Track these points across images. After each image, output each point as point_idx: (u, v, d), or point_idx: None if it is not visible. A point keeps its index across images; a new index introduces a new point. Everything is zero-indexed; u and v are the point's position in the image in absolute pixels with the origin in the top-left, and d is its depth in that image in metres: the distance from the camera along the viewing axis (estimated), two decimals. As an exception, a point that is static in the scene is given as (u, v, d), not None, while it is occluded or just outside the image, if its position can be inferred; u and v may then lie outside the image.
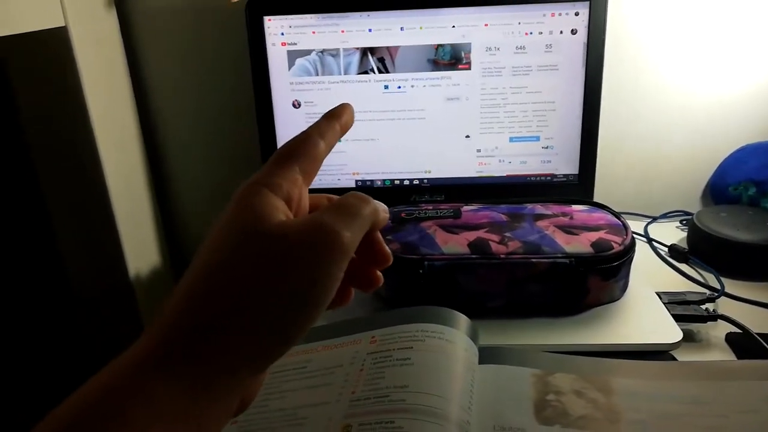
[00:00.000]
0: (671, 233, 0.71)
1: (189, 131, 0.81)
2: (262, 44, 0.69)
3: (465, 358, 0.40)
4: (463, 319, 0.44)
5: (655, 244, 0.68)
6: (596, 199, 0.72)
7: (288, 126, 0.71)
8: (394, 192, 0.73)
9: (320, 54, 0.69)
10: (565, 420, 0.37)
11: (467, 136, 0.71)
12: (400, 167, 0.73)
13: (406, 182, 0.73)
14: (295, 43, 0.69)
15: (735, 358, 0.49)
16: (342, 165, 0.73)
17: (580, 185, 0.72)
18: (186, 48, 0.77)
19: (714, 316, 0.52)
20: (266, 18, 0.68)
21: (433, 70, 0.68)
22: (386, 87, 0.70)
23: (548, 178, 0.72)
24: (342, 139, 0.72)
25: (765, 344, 0.48)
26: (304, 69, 0.69)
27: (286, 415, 0.38)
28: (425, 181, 0.73)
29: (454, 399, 0.36)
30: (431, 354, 0.39)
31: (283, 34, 0.69)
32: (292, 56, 0.69)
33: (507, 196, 0.69)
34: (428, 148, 0.72)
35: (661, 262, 0.65)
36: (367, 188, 0.73)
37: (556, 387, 0.40)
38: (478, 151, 0.72)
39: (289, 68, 0.69)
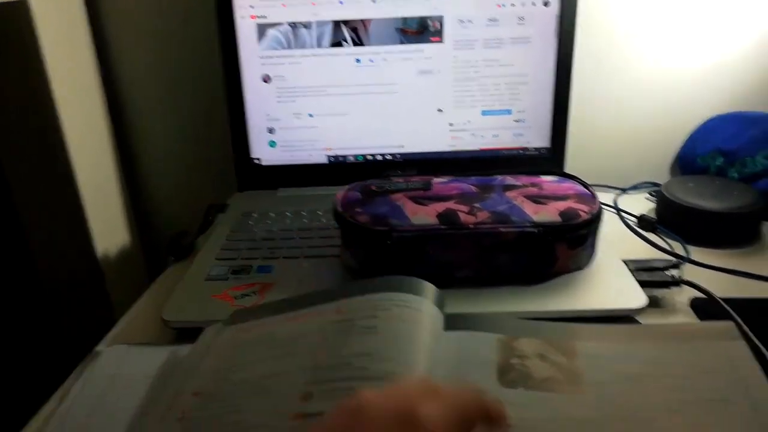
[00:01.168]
0: (641, 204, 0.72)
1: (157, 108, 0.80)
2: (230, 17, 0.68)
3: (430, 325, 0.40)
4: (429, 288, 0.44)
5: (625, 214, 0.68)
6: (567, 170, 0.73)
7: (258, 101, 0.70)
8: (367, 167, 0.73)
9: (292, 25, 0.68)
10: (528, 383, 0.38)
11: (440, 110, 0.71)
12: (373, 142, 0.72)
13: (379, 157, 0.73)
14: (265, 16, 0.68)
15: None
16: (313, 140, 0.72)
17: (551, 158, 0.72)
18: (153, 22, 0.76)
19: (678, 282, 0.53)
20: (234, -10, 0.67)
21: (402, 42, 0.68)
22: (358, 60, 0.69)
23: (520, 151, 0.72)
24: (313, 113, 0.72)
25: (728, 308, 0.49)
26: (275, 41, 0.68)
27: (249, 386, 0.38)
28: (398, 156, 0.73)
29: (417, 366, 0.36)
30: (395, 322, 0.39)
31: (252, 6, 0.68)
32: (262, 29, 0.68)
33: (479, 169, 0.70)
34: (401, 122, 0.71)
35: (630, 232, 0.66)
36: (339, 164, 0.73)
37: (520, 351, 0.41)
38: (451, 125, 0.72)
39: (259, 41, 0.68)
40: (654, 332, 0.43)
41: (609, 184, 0.76)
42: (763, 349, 0.43)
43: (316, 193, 0.72)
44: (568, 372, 0.39)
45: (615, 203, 0.71)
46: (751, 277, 0.56)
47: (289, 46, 0.68)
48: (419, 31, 0.67)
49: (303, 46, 0.68)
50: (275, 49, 0.69)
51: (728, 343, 0.41)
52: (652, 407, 0.36)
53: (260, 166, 0.73)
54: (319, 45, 0.68)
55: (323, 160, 0.73)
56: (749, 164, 0.68)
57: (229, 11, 0.67)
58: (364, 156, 0.73)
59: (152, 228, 0.87)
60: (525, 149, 0.72)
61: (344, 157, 0.73)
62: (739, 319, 0.47)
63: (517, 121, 0.71)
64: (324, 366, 0.37)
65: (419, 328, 0.39)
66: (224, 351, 0.43)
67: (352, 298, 0.43)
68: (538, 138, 0.72)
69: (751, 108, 0.73)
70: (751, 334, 0.45)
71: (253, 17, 0.68)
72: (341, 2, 0.67)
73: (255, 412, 0.35)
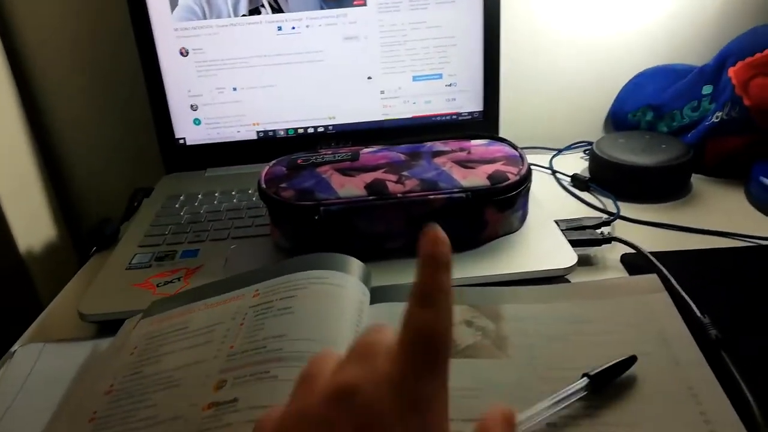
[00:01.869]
0: (576, 163, 0.72)
1: (75, 92, 0.75)
2: (138, -13, 0.64)
3: (353, 300, 0.39)
4: (351, 262, 0.42)
5: (559, 174, 0.68)
6: (502, 134, 0.72)
7: (177, 76, 0.67)
8: (299, 141, 0.70)
9: (205, -6, 0.64)
10: (452, 350, 0.37)
11: (369, 78, 0.69)
12: (303, 114, 0.70)
13: (311, 130, 0.71)
14: (176, -15, 0.64)
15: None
16: (240, 116, 0.69)
17: (485, 122, 0.71)
18: (57, 3, 0.70)
19: (608, 239, 0.53)
20: (140, -42, 0.63)
21: (323, 8, 0.65)
22: (280, 28, 0.66)
23: (454, 116, 0.71)
24: (237, 87, 0.69)
25: (655, 260, 0.49)
26: (189, 10, 0.64)
27: (161, 378, 0.36)
28: (330, 127, 0.71)
29: (336, 342, 0.35)
30: (314, 300, 0.38)
31: (160, -25, 0.63)
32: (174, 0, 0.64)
33: (413, 137, 0.68)
34: (330, 92, 0.69)
35: (565, 192, 0.66)
36: (269, 139, 0.70)
37: (447, 319, 0.40)
38: (382, 92, 0.70)
39: (172, 11, 0.64)
40: (579, 290, 0.43)
41: (545, 146, 0.76)
42: (688, 299, 0.44)
43: (247, 171, 0.69)
44: (494, 337, 0.39)
45: (550, 164, 0.71)
46: (680, 230, 0.57)
47: (205, 16, 0.65)
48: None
49: (219, 15, 0.65)
50: (190, 19, 0.65)
51: (651, 296, 0.41)
52: (576, 365, 0.35)
53: (186, 146, 0.70)
54: (236, 13, 0.65)
55: (252, 136, 0.70)
56: (677, 117, 0.68)
57: (137, -19, 0.63)
58: (294, 129, 0.70)
59: (81, 218, 0.82)
60: (458, 114, 0.71)
61: (274, 131, 0.70)
62: (665, 271, 0.47)
63: (448, 85, 0.70)
64: (239, 352, 0.35)
65: (339, 304, 0.38)
66: (139, 344, 0.40)
67: (270, 280, 0.41)
68: (470, 102, 0.70)
69: (677, 61, 0.73)
70: (676, 285, 0.45)
71: (162, -13, 0.64)
72: (256, -33, 0.63)
73: (167, 405, 0.33)
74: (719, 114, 0.64)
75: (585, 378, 0.33)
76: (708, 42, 0.72)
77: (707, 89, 0.66)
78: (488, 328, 0.39)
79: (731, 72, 0.63)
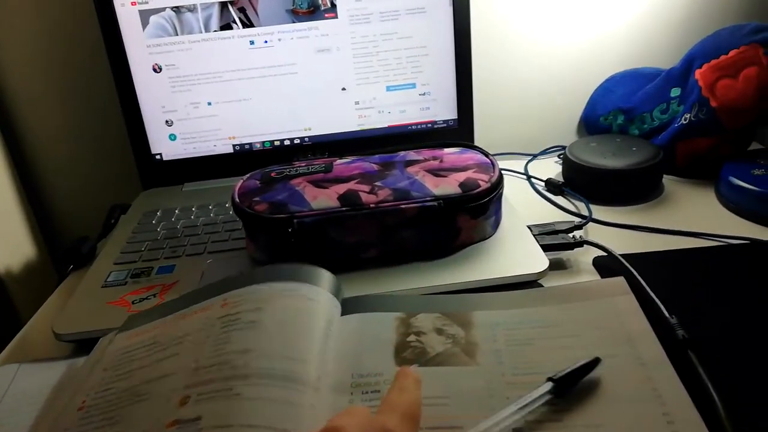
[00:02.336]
0: (551, 168, 0.72)
1: (49, 110, 0.75)
2: (110, 6, 0.64)
3: (322, 312, 0.39)
4: (321, 274, 0.43)
5: (533, 179, 0.69)
6: (478, 142, 0.73)
7: (151, 93, 0.67)
8: (276, 153, 0.71)
9: (176, 10, 0.64)
10: (423, 359, 0.38)
11: (343, 89, 0.69)
12: (279, 127, 0.70)
13: (287, 142, 0.71)
14: (146, 2, 0.64)
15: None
16: (216, 130, 0.69)
17: (460, 130, 0.72)
18: (35, 19, 0.70)
19: (580, 243, 0.54)
20: (110, -24, 0.63)
21: (294, 21, 0.66)
22: (252, 42, 0.66)
23: (429, 125, 0.72)
24: (211, 101, 0.69)
25: (625, 262, 0.50)
26: (160, 28, 0.65)
27: (129, 393, 0.36)
28: (306, 139, 0.71)
29: (303, 357, 0.35)
30: (282, 313, 0.38)
31: (131, -8, 0.64)
32: (145, 16, 0.64)
33: (390, 146, 0.69)
34: (305, 104, 0.69)
35: (539, 197, 0.66)
36: (246, 152, 0.70)
37: (417, 328, 0.40)
38: (357, 103, 0.70)
39: (144, 29, 0.65)
40: (549, 295, 0.43)
41: (520, 151, 0.77)
42: (656, 300, 0.45)
43: (224, 184, 0.69)
44: (464, 344, 0.39)
45: (525, 169, 0.72)
46: (651, 231, 0.58)
47: (176, 32, 0.65)
48: (310, 10, 0.65)
49: (191, 31, 0.65)
50: (162, 36, 0.65)
51: (618, 298, 0.42)
52: (543, 369, 0.36)
53: (162, 161, 0.70)
54: (207, 29, 0.65)
55: (228, 149, 0.70)
56: (647, 120, 0.69)
57: (108, -1, 0.63)
58: (271, 142, 0.71)
59: (59, 236, 0.82)
60: (433, 123, 0.72)
61: (250, 145, 0.71)
62: (635, 273, 0.48)
63: (422, 94, 0.70)
64: (205, 366, 0.35)
65: (309, 317, 0.38)
66: (112, 360, 0.41)
67: (239, 290, 0.41)
68: (444, 110, 0.71)
69: (646, 64, 0.75)
70: (645, 286, 0.46)
71: (133, 3, 0.64)
72: (226, -18, 0.64)
73: (134, 421, 0.33)
74: (687, 116, 0.65)
75: (549, 382, 0.34)
76: (674, 45, 0.74)
77: (675, 92, 0.67)
78: (458, 336, 0.40)
79: (697, 74, 0.64)
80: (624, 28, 0.74)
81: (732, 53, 0.63)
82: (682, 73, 0.67)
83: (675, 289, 0.48)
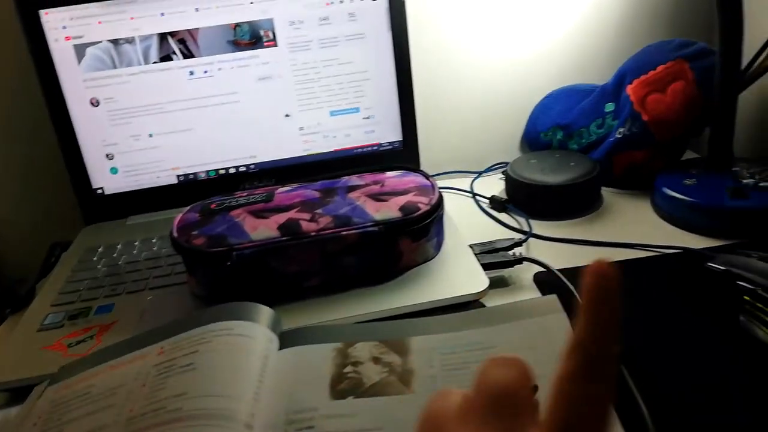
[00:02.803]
0: (496, 185, 0.74)
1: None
2: (42, 41, 0.63)
3: (258, 349, 0.39)
4: (257, 309, 0.42)
5: (478, 197, 0.70)
6: (424, 162, 0.74)
7: (89, 127, 0.66)
8: (222, 182, 0.70)
9: (113, 42, 0.64)
10: (358, 390, 0.38)
11: (287, 115, 0.70)
12: (223, 156, 0.70)
13: (233, 170, 0.71)
14: (81, 36, 0.63)
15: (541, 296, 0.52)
16: (159, 161, 0.69)
17: (405, 151, 0.73)
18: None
19: (519, 260, 0.54)
20: (42, 12, 0.62)
21: (234, 51, 0.66)
22: (192, 73, 0.66)
23: (374, 147, 0.72)
24: (153, 133, 0.68)
25: (563, 278, 0.51)
26: (98, 60, 0.64)
27: (62, 446, 0.35)
28: (252, 166, 0.71)
29: (237, 395, 0.35)
30: (216, 354, 0.37)
31: (65, 27, 0.63)
32: (80, 50, 0.64)
33: (336, 170, 0.69)
34: (249, 132, 0.69)
35: (484, 214, 0.67)
36: (191, 182, 0.70)
37: (354, 358, 0.41)
38: (301, 129, 0.70)
39: (79, 64, 0.64)
40: (485, 316, 0.44)
41: (466, 169, 0.78)
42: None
43: (169, 216, 0.68)
44: (401, 371, 0.39)
45: (471, 187, 0.73)
46: (590, 244, 0.59)
47: (114, 65, 0.64)
48: (252, 42, 0.66)
49: (129, 63, 0.65)
50: (99, 69, 0.64)
51: (550, 316, 0.43)
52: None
53: (104, 195, 0.69)
54: (146, 61, 0.65)
55: (172, 180, 0.70)
56: (585, 135, 0.71)
57: (41, 34, 0.62)
58: (216, 171, 0.70)
59: (3, 278, 0.79)
60: (378, 145, 0.72)
61: (195, 174, 0.70)
62: (572, 288, 0.49)
63: (366, 118, 0.71)
64: (139, 415, 0.35)
65: (244, 355, 0.38)
66: (43, 413, 0.39)
67: (176, 336, 0.41)
68: (389, 133, 0.72)
69: (582, 81, 0.77)
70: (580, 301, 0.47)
71: (68, 38, 0.63)
72: (162, 14, 0.64)
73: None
74: (622, 130, 0.67)
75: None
76: (608, 62, 0.76)
77: (609, 107, 0.69)
78: (395, 364, 0.40)
79: (629, 90, 0.66)
80: (559, 46, 0.77)
81: (660, 68, 0.65)
82: (614, 89, 0.69)
83: (611, 302, 0.49)
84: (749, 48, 0.61)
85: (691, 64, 0.64)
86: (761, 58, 0.63)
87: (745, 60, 0.61)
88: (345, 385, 0.38)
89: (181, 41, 0.65)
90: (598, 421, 0.17)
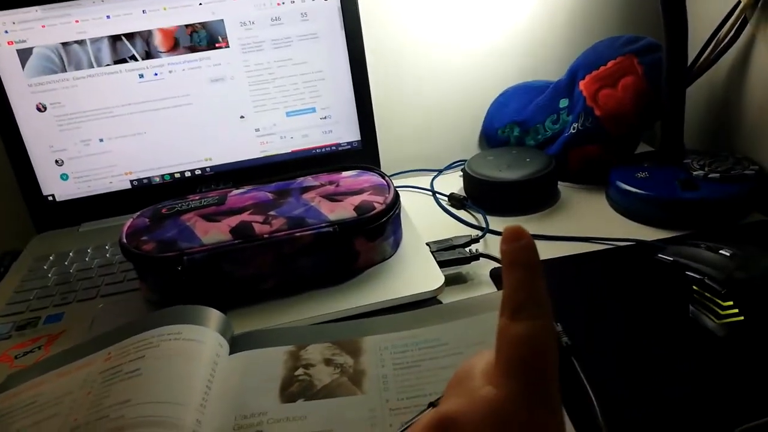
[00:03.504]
0: (455, 183, 0.74)
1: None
2: (-17, 45, 0.61)
3: (207, 353, 0.39)
4: (207, 313, 0.42)
5: (438, 195, 0.70)
6: (385, 161, 0.74)
7: (36, 133, 0.64)
8: (177, 186, 0.69)
9: (63, 44, 0.62)
10: (308, 393, 0.37)
11: (242, 117, 0.69)
12: (177, 159, 0.69)
13: (188, 174, 0.69)
14: (25, 40, 0.62)
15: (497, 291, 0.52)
16: (111, 166, 0.67)
17: (364, 150, 0.72)
18: None
19: (476, 256, 0.55)
20: (-18, 15, 0.60)
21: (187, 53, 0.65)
22: (141, 76, 0.65)
23: (333, 147, 0.72)
24: (103, 137, 0.67)
25: (518, 274, 0.51)
26: (45, 59, 0.62)
27: (4, 459, 0.34)
28: (208, 169, 0.70)
29: (183, 401, 0.34)
30: (163, 359, 0.37)
31: (7, 32, 0.61)
32: (24, 55, 0.62)
33: (295, 171, 0.68)
34: (204, 134, 0.68)
35: (443, 212, 0.67)
36: (145, 187, 0.68)
37: (306, 360, 0.40)
38: (257, 130, 0.70)
39: (23, 67, 0.62)
40: (437, 313, 0.44)
41: (427, 167, 0.78)
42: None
43: (123, 222, 0.67)
44: (352, 372, 0.39)
45: (431, 185, 0.73)
46: (546, 239, 0.60)
47: (65, 68, 0.63)
48: (209, 48, 0.65)
49: (79, 66, 0.63)
50: (46, 72, 0.63)
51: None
52: (425, 391, 0.36)
53: (56, 202, 0.67)
54: (99, 63, 0.63)
55: (126, 185, 0.68)
56: (541, 131, 0.72)
57: (-19, 39, 0.60)
58: (171, 175, 0.69)
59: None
60: (337, 145, 0.72)
61: (149, 179, 0.69)
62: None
63: (323, 118, 0.71)
64: (82, 424, 0.34)
65: (191, 359, 0.37)
66: (-13, 424, 0.38)
67: (123, 341, 0.40)
68: (347, 132, 0.72)
69: (536, 77, 0.78)
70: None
71: (10, 43, 0.61)
72: (108, 17, 0.62)
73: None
74: (575, 125, 0.68)
75: (430, 407, 0.34)
76: (560, 58, 0.77)
77: (563, 102, 0.70)
78: (347, 365, 0.39)
79: (581, 85, 0.67)
80: (513, 43, 0.77)
81: (610, 64, 0.66)
82: (567, 85, 0.70)
83: (565, 295, 0.50)
84: (696, 42, 0.62)
85: (640, 59, 0.65)
86: (707, 52, 0.64)
87: (692, 54, 0.62)
88: (295, 388, 0.38)
89: (134, 44, 0.64)
90: (537, 356, 0.20)
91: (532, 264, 0.22)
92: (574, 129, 0.68)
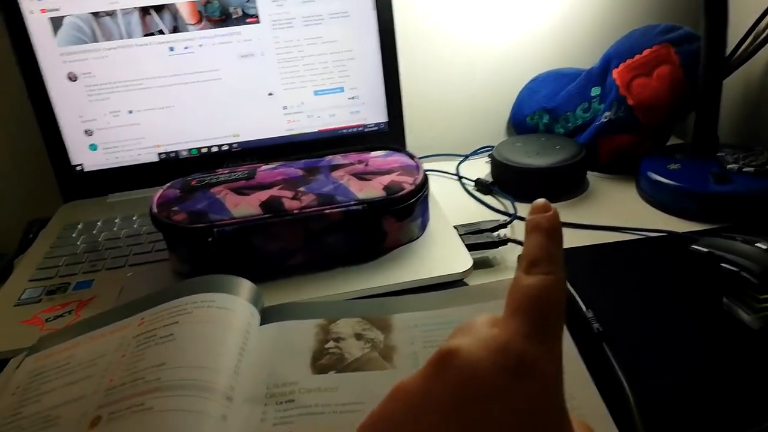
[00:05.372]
0: (482, 168, 0.73)
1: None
2: (17, 13, 0.61)
3: (239, 322, 0.39)
4: (239, 283, 0.42)
5: (465, 180, 0.70)
6: (410, 144, 0.73)
7: (67, 103, 0.64)
8: (204, 160, 0.69)
9: (94, 15, 0.62)
10: (340, 365, 0.37)
11: (270, 94, 0.68)
12: (206, 134, 0.69)
13: (215, 149, 0.70)
14: (57, 8, 0.62)
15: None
16: (139, 138, 0.67)
17: (390, 132, 0.72)
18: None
19: (504, 241, 0.54)
20: (17, -18, 0.60)
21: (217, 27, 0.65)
22: (172, 49, 0.65)
23: (359, 128, 0.72)
24: (132, 109, 0.67)
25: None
26: (75, 28, 0.62)
27: (39, 418, 0.34)
28: (235, 145, 0.70)
29: (216, 367, 0.34)
30: (197, 325, 0.37)
31: (40, -1, 0.61)
32: (56, 23, 0.62)
33: (320, 151, 0.68)
34: (232, 110, 0.68)
35: (470, 197, 0.67)
36: (172, 161, 0.69)
37: (337, 334, 0.40)
38: (285, 108, 0.69)
39: (55, 34, 0.62)
40: (468, 294, 0.44)
41: (452, 152, 0.78)
42: (574, 294, 0.46)
43: (150, 194, 0.67)
44: (383, 348, 0.39)
45: (457, 170, 0.73)
46: (575, 227, 0.59)
47: (95, 38, 0.63)
48: (221, 18, 0.64)
49: (110, 37, 0.63)
50: (77, 37, 0.63)
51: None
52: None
53: (84, 173, 0.67)
54: (129, 35, 0.63)
55: (154, 158, 0.68)
56: (571, 119, 0.71)
57: (15, 6, 0.60)
58: (198, 149, 0.69)
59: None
60: (363, 126, 0.72)
61: (176, 152, 0.69)
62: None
63: (351, 98, 0.70)
64: (117, 385, 0.34)
65: (224, 327, 0.37)
66: (22, 383, 0.39)
67: (157, 307, 0.40)
68: (374, 114, 0.71)
69: (568, 65, 0.77)
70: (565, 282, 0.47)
71: (43, 11, 0.61)
72: (139, -13, 0.62)
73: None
74: (608, 114, 0.67)
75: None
76: (593, 46, 0.76)
77: (595, 91, 0.69)
78: (377, 340, 0.39)
79: (614, 74, 0.66)
80: (546, 30, 0.76)
81: (645, 53, 0.65)
82: (600, 73, 0.69)
83: (595, 283, 0.49)
84: (735, 33, 0.61)
85: (677, 48, 0.64)
86: (745, 44, 0.63)
87: (731, 45, 0.61)
88: (326, 360, 0.38)
89: (163, 16, 0.63)
90: (545, 304, 0.21)
91: (554, 231, 0.24)
92: (606, 118, 0.67)
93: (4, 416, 0.36)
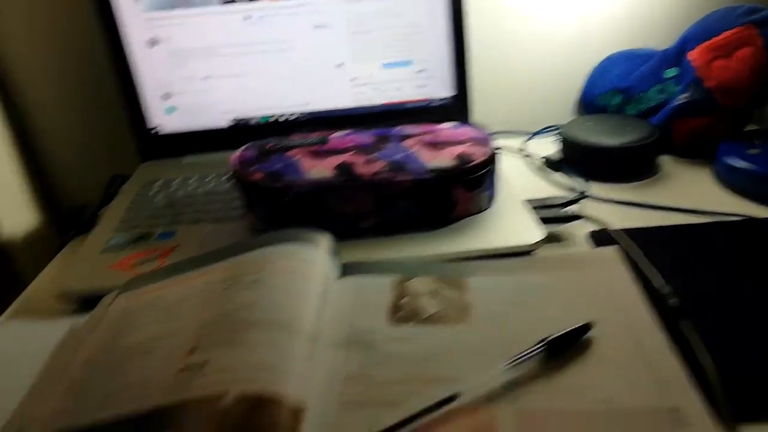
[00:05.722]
0: (549, 147, 0.73)
1: (47, 82, 0.75)
2: (105, -22, 0.64)
3: (320, 273, 0.40)
4: (320, 237, 0.43)
5: (532, 157, 0.69)
6: (475, 120, 0.73)
7: (147, 66, 0.67)
8: (273, 128, 0.71)
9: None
10: (416, 318, 0.38)
11: (340, 65, 0.69)
12: (276, 102, 0.70)
13: (284, 117, 0.71)
14: (144, -26, 0.64)
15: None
16: (213, 104, 0.69)
17: (457, 108, 0.72)
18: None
19: (576, 216, 0.54)
20: (105, -53, 0.63)
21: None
22: (248, 18, 0.66)
23: (425, 102, 0.72)
24: (208, 75, 0.69)
25: (619, 235, 0.50)
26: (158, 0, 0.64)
27: (134, 349, 0.36)
28: (304, 114, 0.71)
29: (303, 312, 0.35)
30: (282, 274, 0.38)
31: (126, -36, 0.64)
32: (142, -12, 0.64)
33: (385, 123, 0.69)
34: (302, 80, 0.69)
35: (537, 174, 0.67)
36: (243, 127, 0.71)
37: (413, 290, 0.41)
38: (353, 79, 0.70)
39: (139, 2, 0.64)
40: (543, 262, 0.44)
41: (520, 129, 0.77)
42: (653, 270, 0.45)
43: (222, 158, 0.69)
44: (458, 306, 0.39)
45: (524, 147, 0.72)
46: (647, 208, 0.58)
47: (175, 5, 0.65)
48: None
49: (190, 3, 0.65)
50: (158, 9, 0.65)
51: (611, 266, 0.42)
52: (535, 330, 0.36)
53: (160, 135, 0.70)
54: (208, 2, 0.65)
55: (226, 123, 0.70)
56: (644, 100, 0.70)
57: (104, -29, 0.63)
58: (268, 117, 0.71)
59: (61, 206, 0.82)
60: (430, 100, 0.72)
61: (247, 119, 0.71)
62: (632, 243, 0.48)
63: (418, 71, 0.70)
64: (208, 322, 0.36)
65: (307, 277, 0.39)
66: (115, 319, 0.41)
67: (240, 256, 0.42)
68: (441, 88, 0.71)
69: (642, 45, 0.75)
70: (640, 256, 0.46)
71: (131, -24, 0.64)
72: (222, -45, 0.64)
73: (140, 372, 0.34)
74: (684, 95, 0.65)
75: (543, 343, 0.34)
76: (669, 27, 0.74)
77: (670, 72, 0.67)
78: (452, 298, 0.40)
79: (692, 55, 0.64)
80: (619, 10, 0.74)
81: (726, 34, 0.63)
82: (676, 54, 0.67)
83: (669, 262, 0.48)
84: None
85: (761, 30, 0.62)
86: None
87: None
88: (403, 314, 0.38)
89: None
90: None
91: None
92: (681, 99, 0.65)
93: (102, 347, 0.38)
